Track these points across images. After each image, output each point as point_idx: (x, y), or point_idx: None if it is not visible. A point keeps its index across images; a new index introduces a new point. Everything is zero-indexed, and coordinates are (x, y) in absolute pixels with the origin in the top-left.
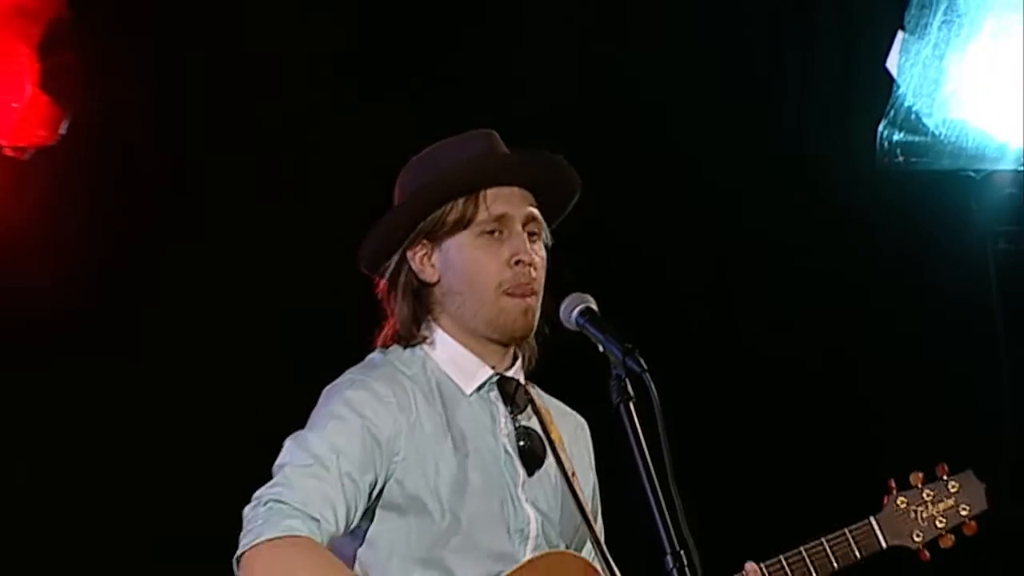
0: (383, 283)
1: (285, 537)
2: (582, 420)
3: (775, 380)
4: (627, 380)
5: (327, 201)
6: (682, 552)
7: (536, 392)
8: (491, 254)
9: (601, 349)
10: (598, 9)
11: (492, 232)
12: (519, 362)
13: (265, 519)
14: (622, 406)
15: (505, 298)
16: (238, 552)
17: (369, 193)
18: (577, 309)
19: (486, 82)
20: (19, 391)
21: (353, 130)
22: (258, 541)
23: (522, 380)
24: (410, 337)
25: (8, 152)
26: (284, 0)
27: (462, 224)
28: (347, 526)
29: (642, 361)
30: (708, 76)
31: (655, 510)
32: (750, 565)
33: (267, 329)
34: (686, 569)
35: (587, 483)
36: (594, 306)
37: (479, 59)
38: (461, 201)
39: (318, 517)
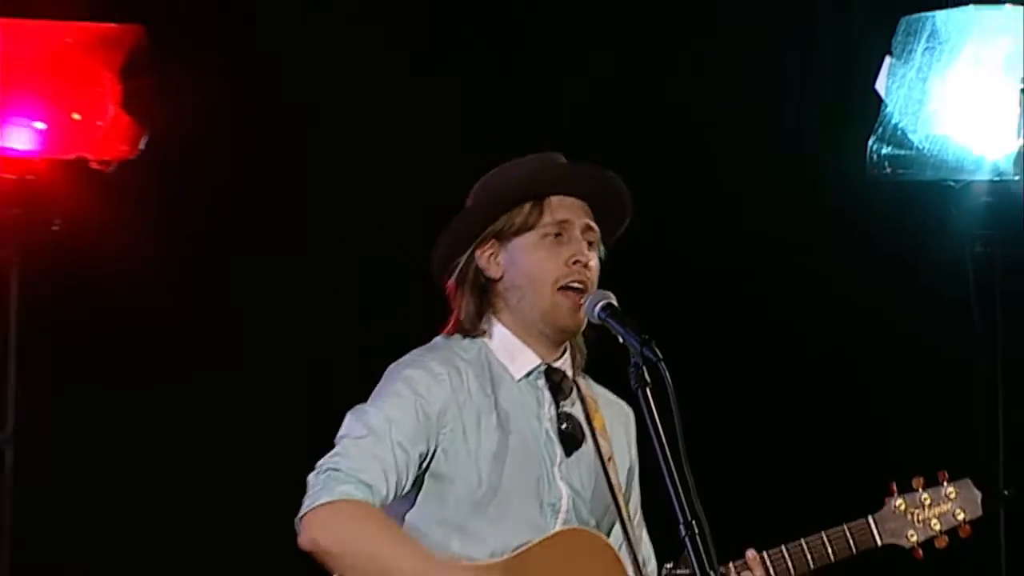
0: (451, 282)
1: (340, 501)
2: (628, 409)
3: (775, 372)
4: (644, 368)
5: (388, 207)
6: (693, 522)
7: (587, 383)
8: (552, 254)
9: (621, 340)
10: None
11: (554, 235)
12: (567, 355)
13: (323, 485)
14: (639, 391)
15: (560, 294)
16: (299, 514)
17: (430, 200)
18: (599, 305)
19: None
20: (111, 384)
21: (416, 142)
22: (316, 504)
23: (569, 372)
24: (472, 328)
25: (95, 165)
26: (341, 27)
27: (528, 227)
28: (398, 492)
29: (657, 351)
30: (720, 101)
31: (669, 485)
32: (750, 552)
33: (332, 318)
34: (697, 538)
35: (623, 469)
36: (615, 302)
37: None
38: (528, 206)
39: (371, 483)
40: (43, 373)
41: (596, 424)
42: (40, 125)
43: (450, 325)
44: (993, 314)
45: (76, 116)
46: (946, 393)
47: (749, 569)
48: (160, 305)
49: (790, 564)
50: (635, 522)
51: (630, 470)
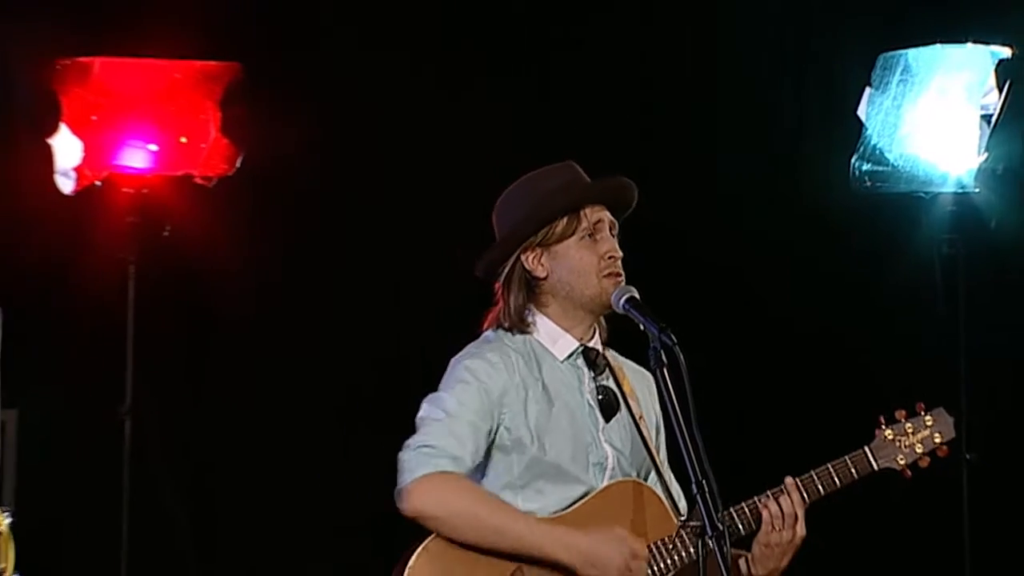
0: (498, 283)
1: (434, 473)
2: (648, 375)
3: (775, 351)
4: (661, 351)
5: (445, 217)
6: (704, 481)
7: (612, 355)
8: (592, 251)
9: (642, 328)
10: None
11: (590, 235)
12: (597, 335)
13: (417, 461)
14: (657, 370)
15: (604, 279)
16: (398, 487)
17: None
18: (624, 298)
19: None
20: (212, 366)
21: (464, 160)
22: (414, 478)
23: (600, 348)
24: (518, 319)
25: (199, 181)
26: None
27: (568, 234)
28: (475, 462)
29: (672, 336)
30: (727, 123)
31: (683, 449)
32: (789, 480)
33: (398, 314)
34: (706, 493)
35: (651, 424)
36: (637, 295)
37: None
38: (566, 218)
39: (456, 456)
40: (155, 356)
41: (626, 389)
42: (153, 147)
43: (497, 319)
44: (956, 304)
45: (183, 139)
46: (917, 366)
47: (787, 493)
48: (252, 299)
49: (808, 490)
50: (665, 468)
51: (657, 427)
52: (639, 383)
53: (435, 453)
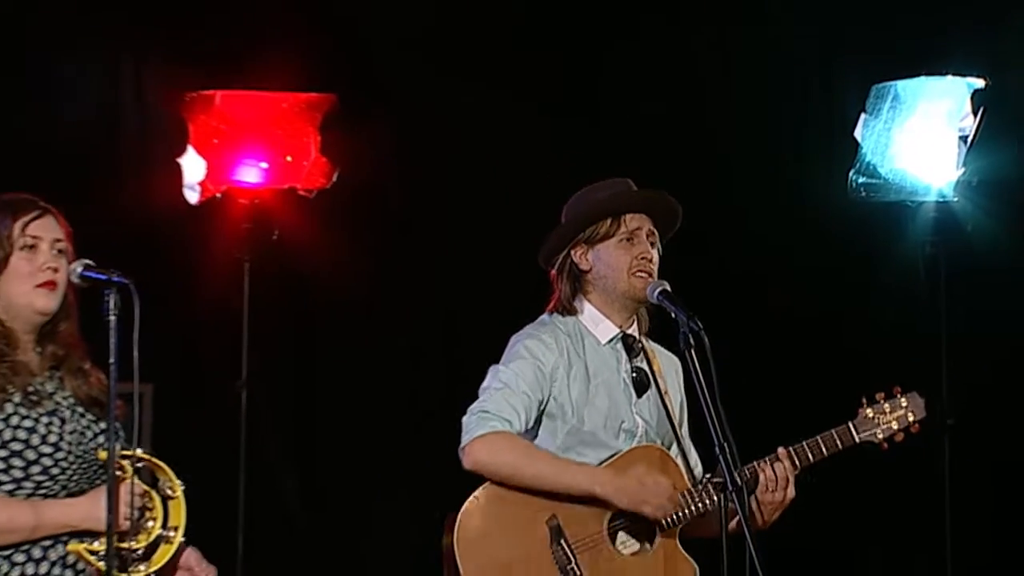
0: (553, 271)
1: (491, 433)
2: (675, 358)
3: (783, 336)
4: (690, 335)
5: (511, 221)
6: (725, 445)
7: (647, 342)
8: (627, 252)
9: (673, 315)
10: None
11: (627, 239)
12: (635, 324)
13: (477, 423)
14: (686, 352)
15: (633, 277)
16: (461, 446)
17: (541, 214)
18: (658, 290)
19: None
20: (345, 346)
21: (530, 171)
22: (475, 436)
23: (638, 336)
24: (569, 305)
25: (301, 193)
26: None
27: (609, 235)
28: (526, 426)
29: (699, 323)
30: (743, 144)
31: (708, 418)
32: (781, 449)
33: (467, 302)
34: (728, 455)
35: (675, 402)
36: (668, 288)
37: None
38: (609, 220)
39: (510, 419)
40: (266, 338)
41: (656, 371)
42: (264, 165)
43: (552, 303)
44: (938, 294)
45: (289, 158)
46: (906, 346)
47: (780, 460)
48: (347, 291)
49: (799, 458)
50: (685, 439)
51: (681, 404)
52: (667, 366)
53: (491, 417)
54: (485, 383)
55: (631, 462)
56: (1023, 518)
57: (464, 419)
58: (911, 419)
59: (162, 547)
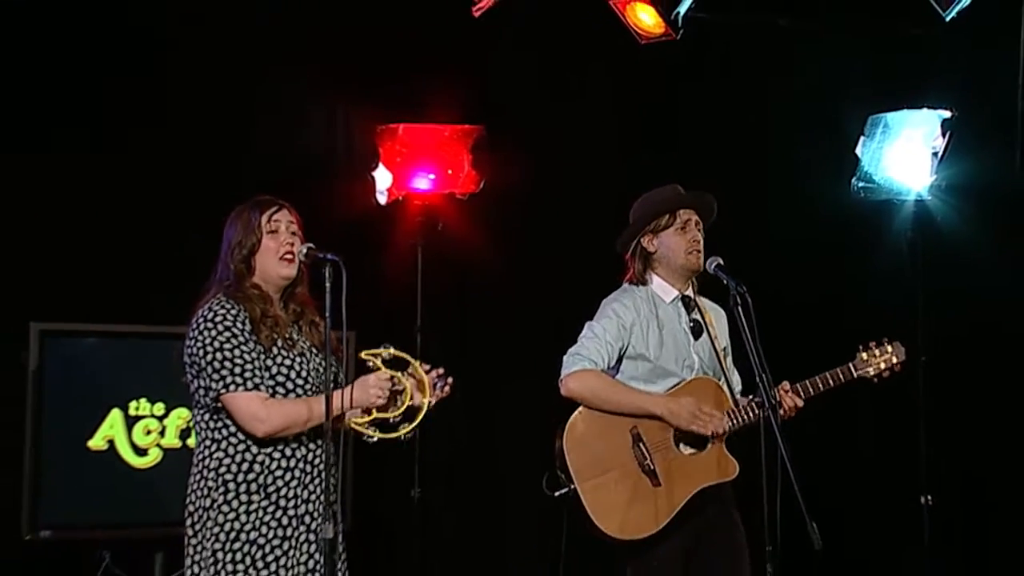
0: (628, 255)
1: (581, 370)
2: (722, 312)
3: (799, 302)
4: (737, 296)
5: (603, 220)
6: (763, 375)
7: (700, 298)
8: (682, 238)
9: (724, 282)
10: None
11: (681, 228)
12: (691, 288)
13: (572, 362)
14: (736, 310)
15: (687, 256)
16: (560, 378)
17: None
18: (714, 263)
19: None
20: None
21: (612, 180)
22: (570, 372)
23: (693, 296)
24: (641, 279)
25: (458, 196)
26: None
27: (668, 226)
28: (608, 366)
29: (744, 287)
30: (772, 162)
31: (751, 357)
32: (786, 383)
33: (580, 280)
34: (765, 383)
35: (722, 342)
36: (722, 262)
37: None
38: (667, 215)
39: (596, 360)
40: (433, 299)
41: (708, 321)
42: (432, 176)
43: (628, 277)
44: (916, 269)
45: (449, 171)
46: (890, 306)
47: (790, 393)
48: (494, 272)
49: (806, 390)
50: (730, 369)
51: (725, 349)
52: (716, 317)
53: (582, 357)
54: (583, 333)
55: (687, 392)
56: (984, 432)
57: (564, 358)
58: (895, 361)
59: (416, 414)
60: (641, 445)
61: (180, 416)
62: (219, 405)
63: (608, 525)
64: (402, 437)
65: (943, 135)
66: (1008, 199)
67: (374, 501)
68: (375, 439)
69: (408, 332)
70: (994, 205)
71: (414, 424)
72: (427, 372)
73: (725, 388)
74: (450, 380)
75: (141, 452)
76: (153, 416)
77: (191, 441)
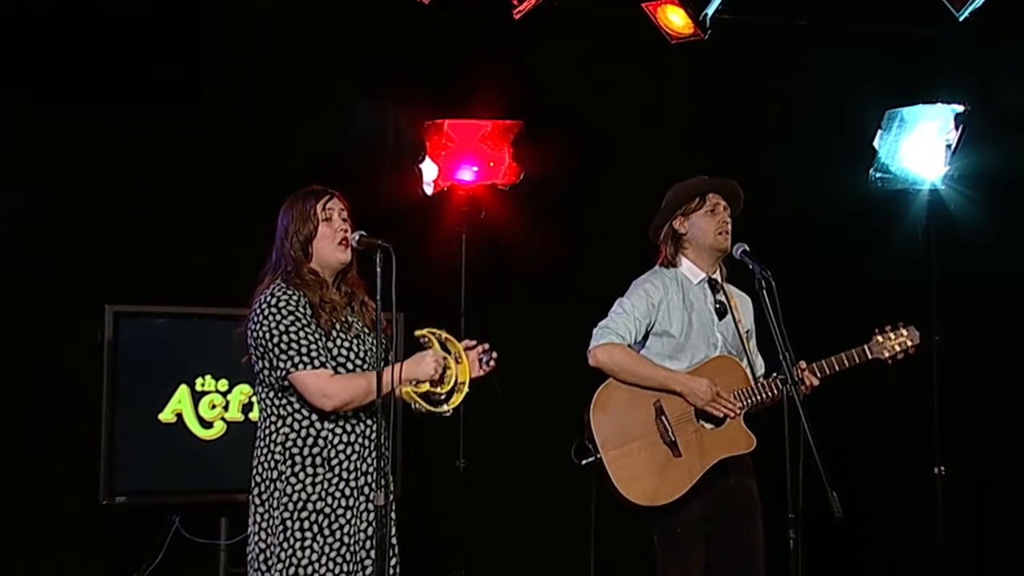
0: (660, 239)
1: (608, 343)
2: (746, 296)
3: (825, 285)
4: (762, 280)
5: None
6: (787, 353)
7: (726, 285)
8: (711, 220)
9: (750, 267)
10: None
11: (711, 211)
12: (718, 271)
13: (601, 335)
14: (761, 293)
15: (717, 237)
16: (588, 349)
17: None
18: (740, 249)
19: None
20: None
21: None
22: (598, 344)
23: (719, 279)
24: (672, 260)
25: (500, 187)
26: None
27: (698, 209)
28: (635, 341)
29: (769, 272)
30: (798, 158)
31: (775, 337)
32: (802, 362)
33: (612, 264)
34: (788, 361)
35: (746, 324)
36: (748, 248)
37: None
38: (697, 199)
39: (623, 335)
40: (477, 283)
41: (732, 304)
42: (475, 168)
43: (659, 259)
44: (930, 254)
45: (491, 164)
46: (909, 291)
47: (808, 371)
48: (532, 255)
49: (823, 369)
50: (753, 351)
51: (748, 330)
52: (740, 301)
53: (610, 331)
54: (613, 309)
55: (709, 369)
56: (995, 407)
57: (594, 331)
58: (909, 344)
59: (455, 394)
60: (663, 418)
61: (243, 392)
62: (286, 384)
63: (631, 492)
64: (448, 411)
65: (956, 128)
66: (1017, 188)
67: (423, 471)
68: (424, 411)
69: (453, 313)
70: (1004, 194)
71: (458, 399)
72: (473, 347)
73: (745, 366)
74: (495, 355)
75: (207, 425)
76: (218, 392)
77: (253, 415)
